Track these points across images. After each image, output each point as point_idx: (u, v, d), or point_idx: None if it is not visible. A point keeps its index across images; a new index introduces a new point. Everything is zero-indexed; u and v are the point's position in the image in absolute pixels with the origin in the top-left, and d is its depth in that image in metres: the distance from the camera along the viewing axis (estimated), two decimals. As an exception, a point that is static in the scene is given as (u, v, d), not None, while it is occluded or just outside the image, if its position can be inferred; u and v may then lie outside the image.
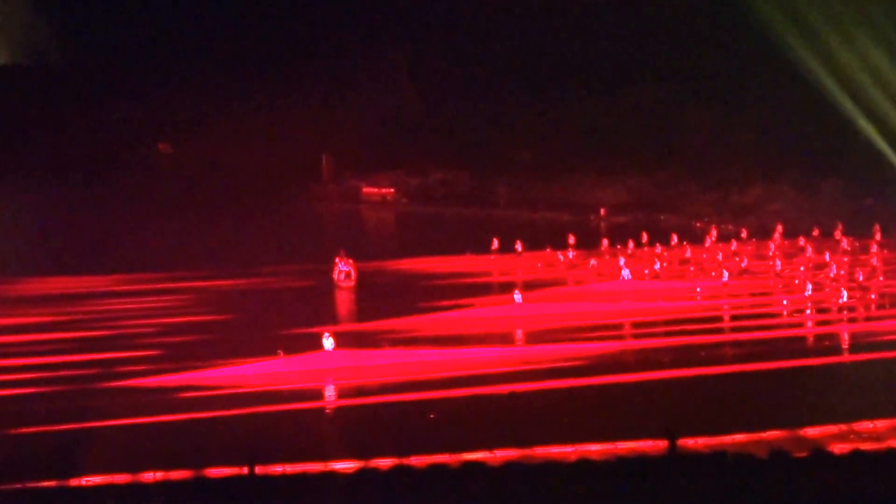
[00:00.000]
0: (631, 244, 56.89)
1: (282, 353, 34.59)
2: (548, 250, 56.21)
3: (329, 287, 49.86)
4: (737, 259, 53.02)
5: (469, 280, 50.18)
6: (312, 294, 48.53)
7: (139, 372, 34.08)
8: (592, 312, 42.80)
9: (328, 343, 35.10)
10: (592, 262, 53.40)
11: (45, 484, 23.60)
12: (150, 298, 47.00)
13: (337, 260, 50.44)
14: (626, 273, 48.73)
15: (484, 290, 47.52)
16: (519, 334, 40.47)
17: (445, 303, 44.14)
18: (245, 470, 22.76)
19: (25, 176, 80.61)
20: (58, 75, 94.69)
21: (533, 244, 57.05)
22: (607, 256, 55.60)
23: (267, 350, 35.28)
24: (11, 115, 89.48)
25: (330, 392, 33.43)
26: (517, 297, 43.54)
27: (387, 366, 34.98)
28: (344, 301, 48.52)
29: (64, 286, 49.99)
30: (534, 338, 39.19)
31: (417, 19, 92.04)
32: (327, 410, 32.18)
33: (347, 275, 50.04)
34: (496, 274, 52.65)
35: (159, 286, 49.49)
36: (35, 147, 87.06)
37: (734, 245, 56.72)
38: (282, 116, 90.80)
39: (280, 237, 65.79)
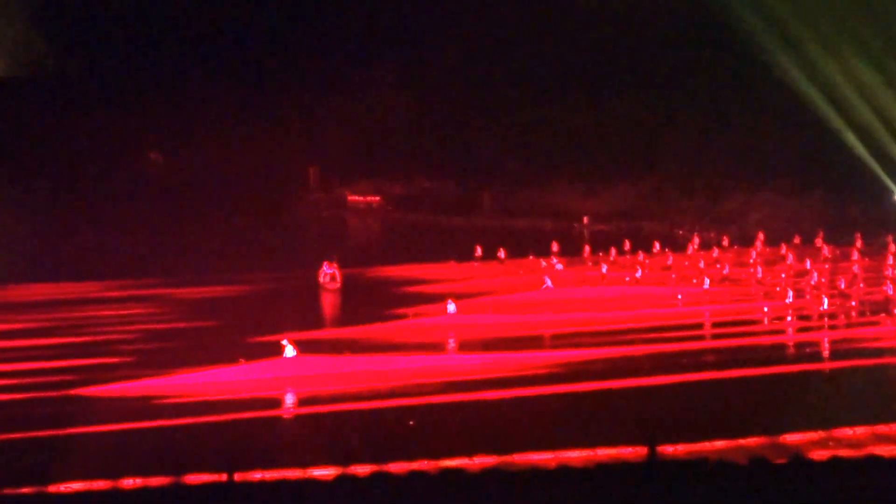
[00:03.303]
0: (613, 251, 56.97)
1: (243, 361, 34.63)
2: (530, 258, 56.26)
3: (313, 290, 50.50)
4: (718, 266, 53.07)
5: (435, 287, 49.93)
6: (295, 299, 48.89)
7: (115, 378, 34.01)
8: (515, 323, 42.82)
9: (290, 350, 35.19)
10: (558, 265, 53.61)
11: (24, 490, 23.54)
12: (136, 305, 46.99)
13: (323, 264, 51.68)
14: (548, 282, 48.68)
15: (437, 297, 46.32)
16: (451, 343, 40.14)
17: (385, 312, 44.15)
18: (224, 477, 22.75)
19: (14, 184, 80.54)
20: (50, 84, 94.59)
21: (516, 252, 57.12)
22: (590, 263, 55.75)
23: (237, 356, 35.19)
24: (3, 124, 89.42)
25: (294, 399, 33.37)
26: (450, 307, 43.18)
27: (343, 374, 34.99)
28: (323, 305, 49.03)
29: (48, 292, 49.91)
30: (490, 345, 39.09)
31: (406, 30, 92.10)
32: (296, 417, 32.13)
33: (332, 277, 51.46)
34: (462, 281, 51.99)
35: (145, 293, 49.59)
36: (25, 155, 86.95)
37: (716, 252, 56.79)
38: (271, 125, 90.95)
39: (266, 244, 65.93)
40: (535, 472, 23.57)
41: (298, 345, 35.67)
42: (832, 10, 68.29)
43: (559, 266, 53.77)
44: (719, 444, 26.58)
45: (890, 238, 57.24)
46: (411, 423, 29.81)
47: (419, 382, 33.74)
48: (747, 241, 59.93)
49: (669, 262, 54.99)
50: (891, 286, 46.83)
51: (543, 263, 55.12)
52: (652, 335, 40.04)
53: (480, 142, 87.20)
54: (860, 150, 64.76)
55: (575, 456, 25.76)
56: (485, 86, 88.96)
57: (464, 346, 39.44)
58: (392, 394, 32.49)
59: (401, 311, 43.84)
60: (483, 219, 77.74)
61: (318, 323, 43.94)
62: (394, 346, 38.68)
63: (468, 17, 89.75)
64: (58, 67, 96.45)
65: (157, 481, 24.09)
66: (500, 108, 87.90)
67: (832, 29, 68.01)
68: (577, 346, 38.65)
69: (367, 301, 47.25)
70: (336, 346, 37.68)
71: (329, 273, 51.53)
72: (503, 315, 44.04)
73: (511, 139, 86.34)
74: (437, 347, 39.35)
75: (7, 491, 23.37)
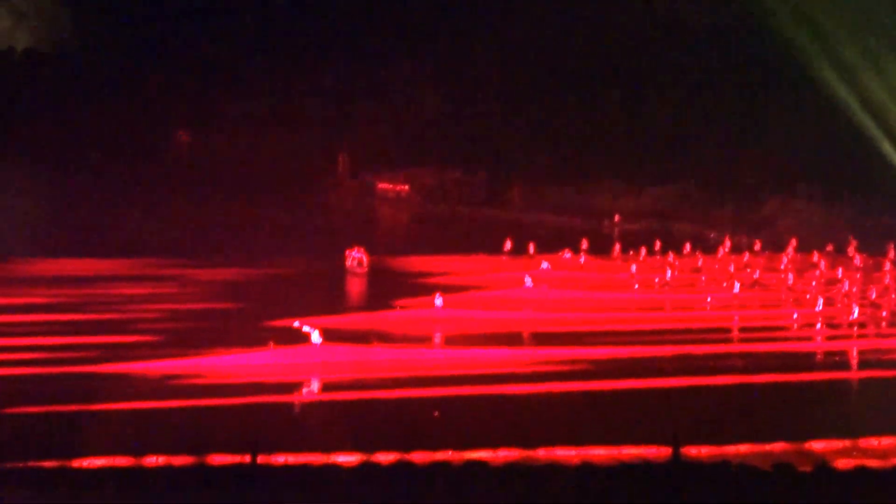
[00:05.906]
0: (643, 251, 56.78)
1: (273, 345, 34.82)
2: (562, 254, 56.04)
3: (339, 274, 51.00)
4: (748, 271, 52.83)
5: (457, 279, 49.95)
6: (320, 282, 49.25)
7: (139, 356, 34.21)
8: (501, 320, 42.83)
9: (316, 337, 35.33)
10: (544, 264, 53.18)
11: (47, 464, 23.64)
12: (159, 284, 47.27)
13: (350, 249, 52.34)
14: (528, 280, 48.32)
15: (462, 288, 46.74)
16: (437, 337, 40.09)
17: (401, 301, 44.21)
18: (247, 458, 22.83)
19: (43, 160, 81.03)
20: (77, 62, 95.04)
21: (545, 247, 56.99)
22: (619, 262, 55.67)
23: (262, 339, 35.34)
24: (31, 100, 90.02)
25: (318, 385, 33.50)
26: (438, 300, 42.98)
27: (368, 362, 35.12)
28: (346, 290, 49.77)
29: (74, 268, 50.31)
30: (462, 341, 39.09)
31: (438, 20, 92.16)
32: (320, 403, 32.22)
33: (360, 262, 52.11)
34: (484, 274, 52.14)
35: (172, 272, 49.88)
36: (53, 132, 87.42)
37: (747, 257, 56.53)
38: (301, 111, 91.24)
39: (294, 228, 66.24)
40: (558, 468, 23.54)
41: (313, 329, 35.79)
42: (869, 15, 67.91)
43: (545, 265, 53.26)
44: (743, 448, 26.43)
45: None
46: (436, 413, 29.83)
47: (446, 374, 33.78)
48: (779, 247, 59.63)
49: (699, 264, 54.78)
50: (922, 297, 46.55)
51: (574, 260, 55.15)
52: (677, 337, 39.88)
53: (513, 135, 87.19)
54: (896, 158, 64.44)
55: (598, 453, 25.69)
56: (519, 79, 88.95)
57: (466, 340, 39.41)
58: (417, 383, 32.52)
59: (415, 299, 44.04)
60: (512, 213, 77.67)
61: (339, 309, 43.99)
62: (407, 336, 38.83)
63: (504, 9, 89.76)
64: (83, 42, 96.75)
65: (180, 460, 24.16)
66: (534, 102, 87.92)
67: (869, 34, 67.59)
68: (605, 344, 38.51)
69: (388, 289, 47.32)
70: (355, 334, 37.80)
71: (356, 257, 52.09)
72: (487, 311, 44.01)
73: (544, 134, 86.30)
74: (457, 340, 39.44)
75: (30, 464, 23.49)
